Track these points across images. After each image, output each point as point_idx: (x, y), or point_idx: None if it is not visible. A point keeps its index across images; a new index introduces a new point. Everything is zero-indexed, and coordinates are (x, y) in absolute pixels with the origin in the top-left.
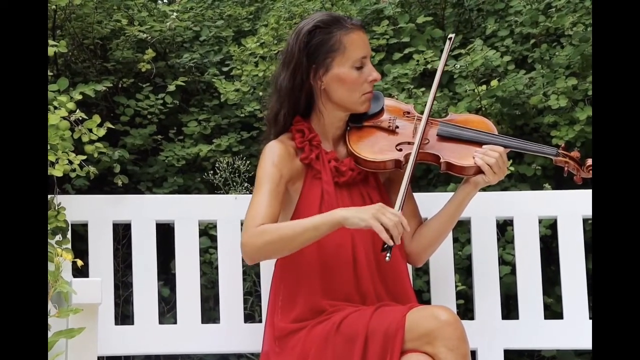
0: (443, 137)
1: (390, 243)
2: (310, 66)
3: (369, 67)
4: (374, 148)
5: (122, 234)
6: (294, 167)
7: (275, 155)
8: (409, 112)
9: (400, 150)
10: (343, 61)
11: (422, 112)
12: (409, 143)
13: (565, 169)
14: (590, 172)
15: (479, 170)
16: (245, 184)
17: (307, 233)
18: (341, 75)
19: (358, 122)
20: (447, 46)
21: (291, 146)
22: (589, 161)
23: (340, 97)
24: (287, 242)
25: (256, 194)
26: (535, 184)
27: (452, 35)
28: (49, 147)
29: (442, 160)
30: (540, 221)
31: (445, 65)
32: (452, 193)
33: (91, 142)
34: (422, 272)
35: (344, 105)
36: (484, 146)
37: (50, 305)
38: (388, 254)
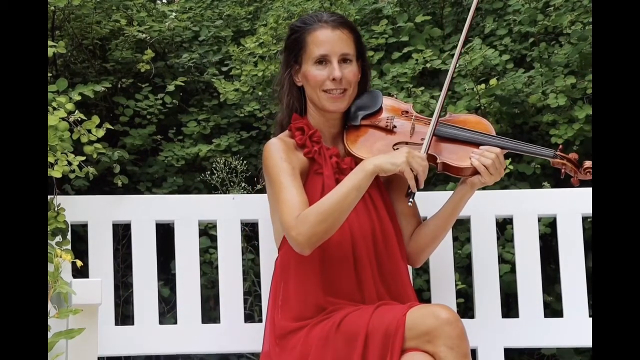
0: (440, 138)
1: (416, 190)
2: (292, 65)
3: (333, 65)
4: (371, 148)
5: (122, 234)
6: (299, 160)
7: (281, 151)
8: (407, 112)
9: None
10: (306, 59)
11: (421, 111)
12: (406, 143)
13: (563, 170)
14: (588, 174)
15: (476, 171)
16: (243, 184)
17: (349, 196)
18: (305, 72)
19: (355, 121)
20: (458, 48)
21: (292, 143)
22: (587, 163)
23: (309, 96)
24: (333, 214)
25: (280, 191)
26: (534, 183)
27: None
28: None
29: (438, 160)
30: (539, 219)
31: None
32: (451, 192)
33: (90, 142)
34: (422, 271)
35: (314, 103)
36: (481, 147)
37: (50, 306)
38: (411, 199)
